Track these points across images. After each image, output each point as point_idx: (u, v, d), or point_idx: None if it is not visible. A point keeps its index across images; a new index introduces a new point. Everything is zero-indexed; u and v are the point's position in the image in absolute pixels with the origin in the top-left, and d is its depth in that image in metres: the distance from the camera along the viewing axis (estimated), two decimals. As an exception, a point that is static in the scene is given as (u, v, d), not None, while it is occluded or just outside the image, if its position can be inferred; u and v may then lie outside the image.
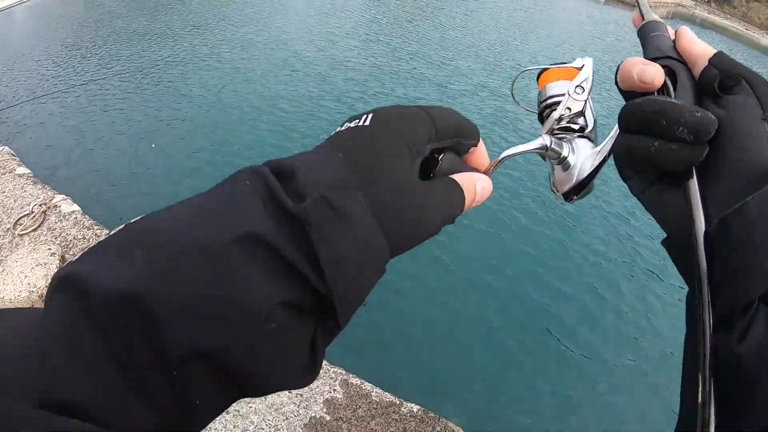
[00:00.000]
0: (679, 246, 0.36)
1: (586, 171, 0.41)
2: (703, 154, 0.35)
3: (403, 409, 2.38)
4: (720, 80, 0.36)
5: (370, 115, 0.34)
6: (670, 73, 0.39)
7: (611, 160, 0.42)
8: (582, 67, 0.43)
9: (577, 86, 0.42)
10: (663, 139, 0.35)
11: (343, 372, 2.41)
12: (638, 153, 0.36)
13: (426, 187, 0.34)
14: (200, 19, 11.18)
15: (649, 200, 0.39)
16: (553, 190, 0.44)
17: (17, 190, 3.46)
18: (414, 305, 4.74)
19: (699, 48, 0.39)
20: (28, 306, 1.92)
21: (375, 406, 2.35)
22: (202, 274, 0.28)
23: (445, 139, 0.36)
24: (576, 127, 0.42)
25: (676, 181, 0.36)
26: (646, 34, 0.44)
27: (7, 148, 3.92)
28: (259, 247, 0.28)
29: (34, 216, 3.10)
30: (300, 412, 2.23)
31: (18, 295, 1.89)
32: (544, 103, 0.44)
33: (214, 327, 0.27)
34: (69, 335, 0.27)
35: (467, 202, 0.37)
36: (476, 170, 0.40)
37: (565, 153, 0.41)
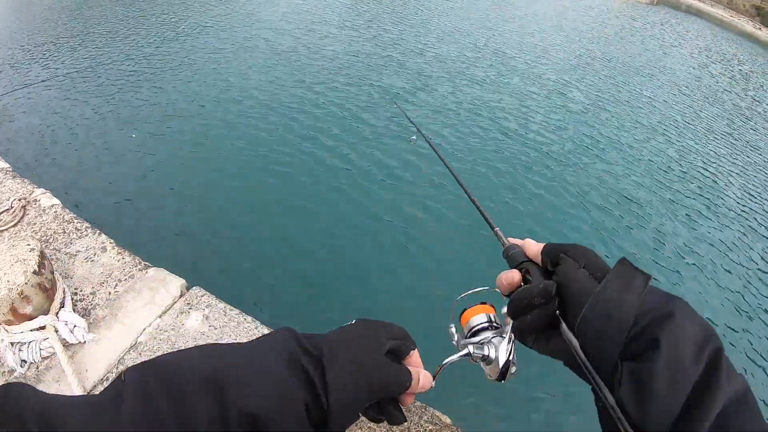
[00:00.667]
0: (573, 363, 0.55)
1: (503, 359, 0.60)
2: (555, 305, 0.56)
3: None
4: (550, 261, 0.59)
5: (356, 320, 0.60)
6: (527, 271, 0.61)
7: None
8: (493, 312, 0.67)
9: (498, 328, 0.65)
10: (531, 311, 0.56)
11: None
12: (524, 326, 0.58)
13: (389, 363, 0.57)
14: (179, 5, 10.95)
15: (550, 352, 0.58)
16: (488, 379, 0.63)
17: (-5, 184, 3.38)
18: (402, 283, 4.77)
19: (534, 249, 0.62)
20: (8, 303, 1.89)
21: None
22: (266, 369, 0.48)
23: (397, 339, 0.60)
24: (492, 333, 0.62)
25: (556, 330, 0.56)
26: (507, 253, 0.66)
27: (-17, 141, 3.82)
28: (297, 365, 0.50)
29: (14, 211, 3.03)
30: None
31: (-3, 293, 1.85)
32: (471, 330, 0.65)
33: (267, 400, 0.45)
34: (143, 404, 0.41)
35: (413, 384, 0.59)
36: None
37: (486, 353, 0.61)
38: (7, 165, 3.80)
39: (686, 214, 6.72)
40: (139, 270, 2.45)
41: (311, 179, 5.70)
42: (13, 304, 1.90)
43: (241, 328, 2.05)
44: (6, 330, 2.03)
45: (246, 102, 7.52)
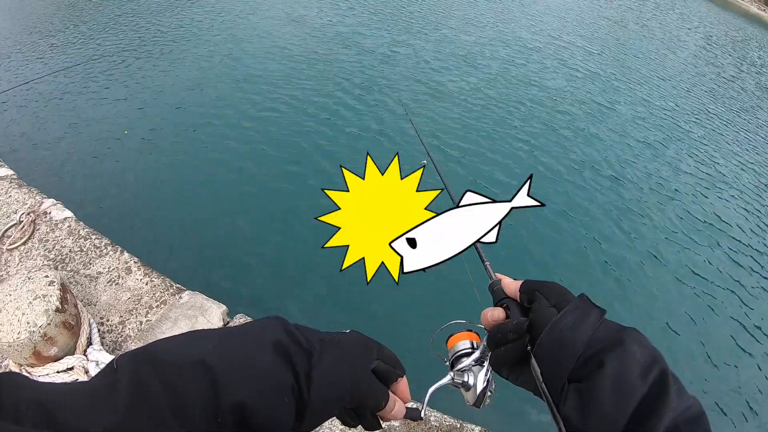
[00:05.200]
0: (536, 389, 0.57)
1: (481, 386, 0.65)
2: (527, 341, 0.59)
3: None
4: (527, 298, 0.65)
5: (349, 331, 0.62)
6: (507, 307, 0.67)
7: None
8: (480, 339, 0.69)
9: (483, 351, 0.67)
10: (505, 345, 0.61)
11: (397, 396, 2.13)
12: (499, 359, 0.62)
13: (372, 378, 0.59)
14: (172, 6, 10.46)
15: (522, 383, 0.61)
16: (466, 403, 0.67)
17: (0, 195, 3.07)
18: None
19: (512, 287, 0.68)
20: (30, 347, 1.61)
21: (434, 431, 2.08)
22: (253, 354, 0.50)
23: (385, 363, 0.61)
24: (473, 361, 0.66)
25: (527, 363, 0.58)
26: (492, 288, 0.72)
27: (-16, 147, 3.49)
28: (283, 352, 0.51)
29: (23, 226, 2.72)
30: (353, 446, 1.95)
31: (17, 337, 1.57)
32: (455, 355, 0.69)
33: (255, 387, 0.47)
34: (137, 392, 0.42)
35: (388, 407, 0.60)
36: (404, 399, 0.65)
37: (466, 379, 0.65)
38: (11, 172, 3.47)
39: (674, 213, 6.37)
40: (172, 294, 2.15)
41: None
42: (36, 347, 1.60)
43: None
44: (29, 373, 1.74)
45: (254, 92, 7.18)
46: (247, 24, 9.89)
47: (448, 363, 0.69)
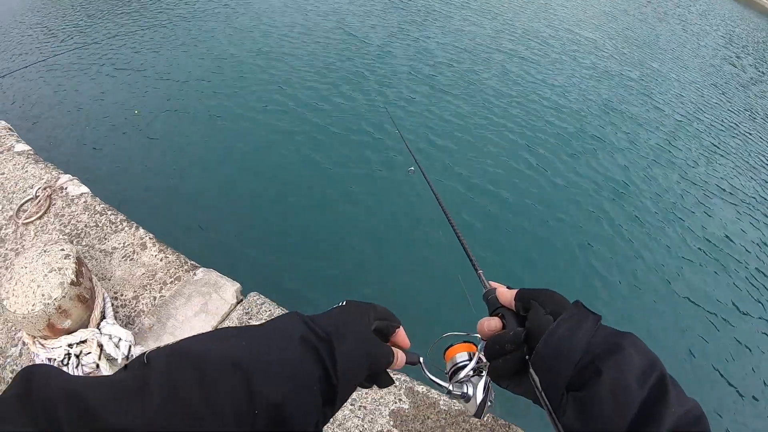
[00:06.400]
0: (536, 398, 0.58)
1: (480, 397, 0.65)
2: (525, 351, 0.59)
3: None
4: (522, 306, 0.65)
5: (346, 301, 0.65)
6: (503, 316, 0.67)
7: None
8: (477, 347, 0.69)
9: (478, 360, 0.68)
10: (503, 356, 0.61)
11: (408, 379, 2.11)
12: (497, 371, 0.62)
13: (380, 342, 0.63)
14: None
15: (522, 392, 0.62)
16: (467, 415, 0.81)
17: (17, 170, 3.08)
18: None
19: (507, 296, 0.68)
20: (44, 319, 1.61)
21: (444, 415, 2.07)
22: (284, 351, 0.51)
23: (382, 320, 0.66)
24: (471, 371, 0.67)
25: (525, 373, 0.58)
26: (486, 297, 0.72)
27: (3, 122, 3.51)
28: (310, 346, 0.53)
29: (39, 201, 2.73)
30: (365, 426, 1.94)
31: (32, 309, 1.56)
32: (454, 367, 0.68)
33: (289, 384, 0.48)
34: (171, 386, 0.42)
35: (394, 362, 0.64)
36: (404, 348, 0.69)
37: (465, 390, 0.65)
38: (28, 147, 3.49)
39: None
40: (186, 271, 2.15)
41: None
42: (50, 319, 1.60)
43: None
44: (42, 345, 1.75)
45: (267, 72, 7.14)
46: (263, 6, 9.80)
47: (447, 375, 0.70)
